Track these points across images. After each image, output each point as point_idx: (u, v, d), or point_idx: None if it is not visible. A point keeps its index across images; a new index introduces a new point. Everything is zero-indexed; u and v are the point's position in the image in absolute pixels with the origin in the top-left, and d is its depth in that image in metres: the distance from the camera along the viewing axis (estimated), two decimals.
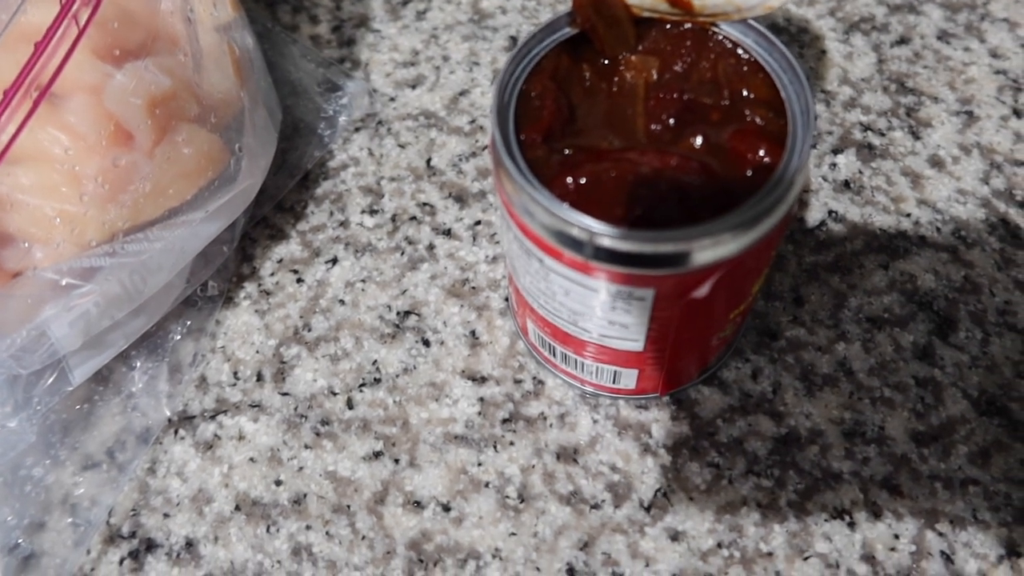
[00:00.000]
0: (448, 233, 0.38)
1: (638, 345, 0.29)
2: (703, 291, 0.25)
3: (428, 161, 0.40)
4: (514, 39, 0.44)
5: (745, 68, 0.28)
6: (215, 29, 0.35)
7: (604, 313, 0.27)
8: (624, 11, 0.28)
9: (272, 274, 0.38)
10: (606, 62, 0.28)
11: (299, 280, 0.38)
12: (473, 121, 0.41)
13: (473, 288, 0.37)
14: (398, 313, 0.36)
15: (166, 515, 0.32)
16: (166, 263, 0.33)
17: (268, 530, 0.32)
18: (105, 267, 0.30)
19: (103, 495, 0.33)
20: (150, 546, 0.32)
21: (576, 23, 0.28)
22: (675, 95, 0.27)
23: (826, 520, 0.31)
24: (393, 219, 0.39)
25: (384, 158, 0.41)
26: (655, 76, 0.28)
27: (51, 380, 0.31)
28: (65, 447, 0.33)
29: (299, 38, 0.45)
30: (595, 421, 0.33)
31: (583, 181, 0.25)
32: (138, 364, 0.34)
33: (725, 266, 0.25)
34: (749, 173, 0.26)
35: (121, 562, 0.32)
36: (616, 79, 0.28)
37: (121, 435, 0.34)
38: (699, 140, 0.26)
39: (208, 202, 0.33)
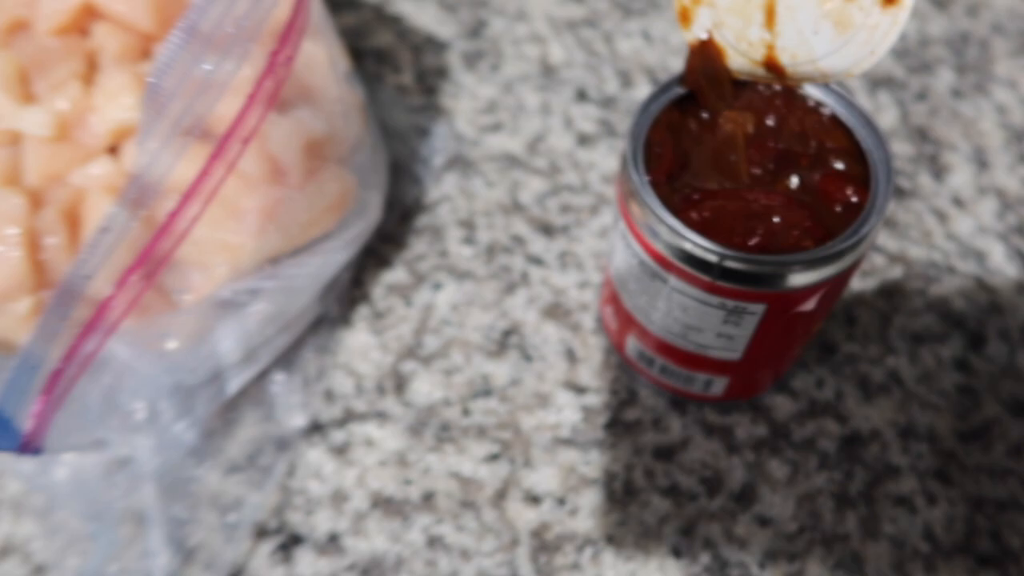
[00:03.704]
0: (539, 262, 0.43)
1: (736, 355, 0.34)
2: (808, 306, 0.31)
3: (514, 198, 0.45)
4: (581, 91, 0.50)
5: (827, 123, 0.33)
6: (345, 78, 0.39)
7: (716, 326, 0.32)
8: (726, 74, 0.33)
9: (383, 298, 0.42)
10: (706, 116, 0.34)
11: (408, 303, 0.42)
12: (551, 163, 0.47)
13: (566, 310, 0.41)
14: (501, 332, 0.41)
15: (308, 512, 0.36)
16: (309, 286, 0.37)
17: (403, 524, 0.36)
18: (267, 288, 0.35)
19: (250, 495, 0.36)
20: (296, 540, 0.35)
21: (686, 83, 0.33)
22: (771, 144, 0.33)
23: (891, 506, 0.36)
24: (488, 249, 0.43)
25: (474, 195, 0.45)
26: (751, 129, 0.33)
27: (211, 390, 0.35)
28: (210, 452, 0.37)
29: (386, 86, 0.50)
30: (684, 425, 0.38)
31: (706, 214, 0.30)
32: (276, 378, 0.38)
33: (825, 286, 0.30)
34: (839, 209, 0.31)
35: (272, 554, 0.35)
36: (717, 130, 0.33)
37: (260, 442, 0.38)
38: (795, 181, 0.32)
39: (344, 232, 0.38)
